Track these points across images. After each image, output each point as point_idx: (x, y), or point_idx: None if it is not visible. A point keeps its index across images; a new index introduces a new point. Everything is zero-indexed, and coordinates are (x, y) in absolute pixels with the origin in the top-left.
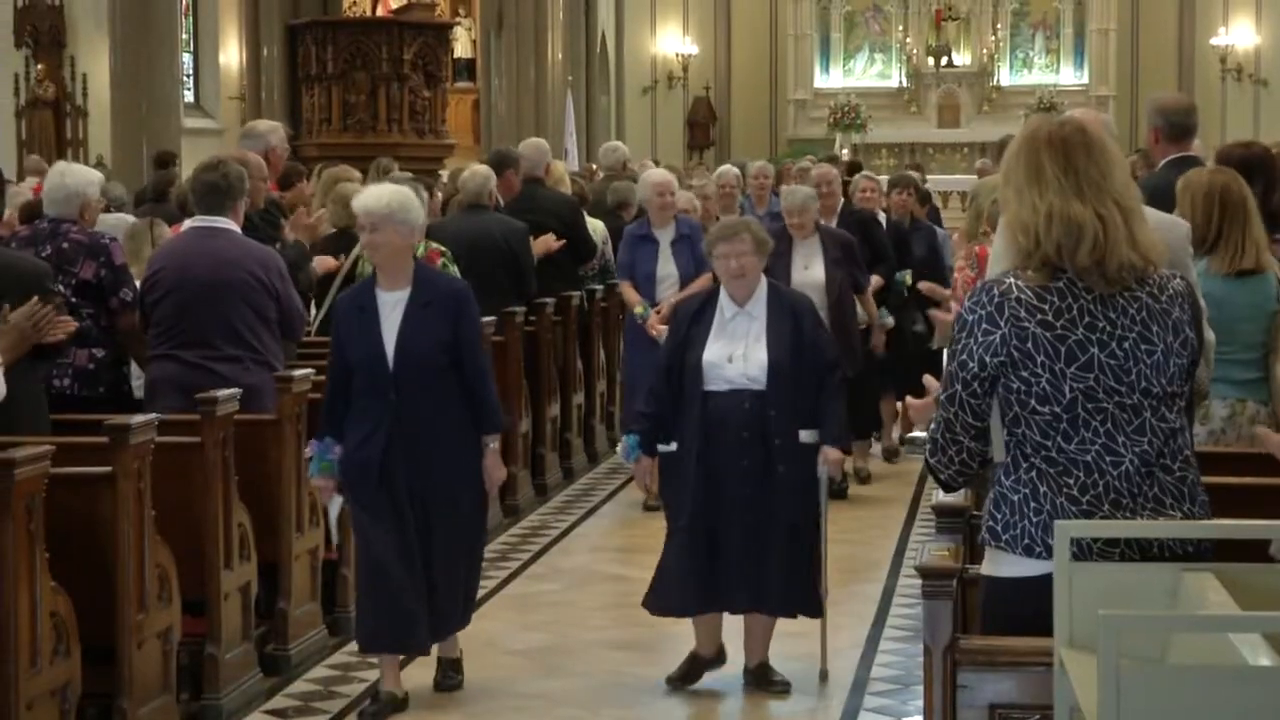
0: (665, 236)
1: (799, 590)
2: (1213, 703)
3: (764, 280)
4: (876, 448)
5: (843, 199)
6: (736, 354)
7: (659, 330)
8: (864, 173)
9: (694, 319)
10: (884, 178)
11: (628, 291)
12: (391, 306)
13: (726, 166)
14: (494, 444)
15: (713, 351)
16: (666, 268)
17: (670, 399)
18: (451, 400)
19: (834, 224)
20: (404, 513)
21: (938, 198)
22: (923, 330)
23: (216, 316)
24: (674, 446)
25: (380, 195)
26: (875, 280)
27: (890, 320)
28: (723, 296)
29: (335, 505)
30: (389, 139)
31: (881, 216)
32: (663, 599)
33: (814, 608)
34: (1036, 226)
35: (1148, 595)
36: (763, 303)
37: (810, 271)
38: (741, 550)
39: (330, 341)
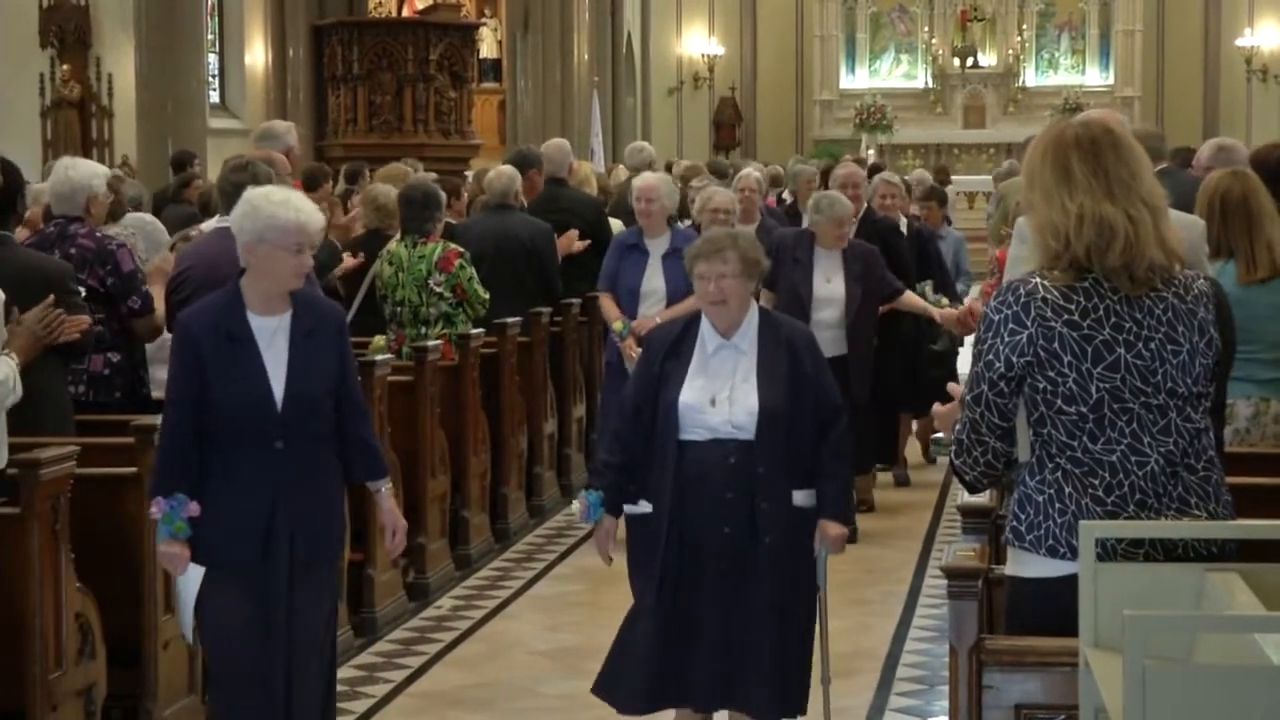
0: (657, 248)
1: (789, 688)
2: (1238, 703)
3: (755, 307)
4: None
5: (865, 204)
6: (720, 396)
7: (636, 353)
8: (884, 175)
9: (670, 350)
10: (895, 178)
11: (607, 305)
12: (270, 335)
13: (748, 170)
14: (387, 488)
15: (691, 392)
16: (653, 282)
17: (641, 447)
18: (333, 451)
19: (853, 231)
20: (280, 592)
21: (963, 198)
22: (943, 348)
23: None
24: (642, 507)
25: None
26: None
27: (944, 299)
28: (705, 325)
29: (194, 581)
30: (414, 139)
31: (903, 223)
32: (615, 687)
33: (804, 707)
34: (1067, 228)
35: (1173, 596)
36: (753, 334)
37: (832, 286)
38: (719, 637)
39: (172, 372)
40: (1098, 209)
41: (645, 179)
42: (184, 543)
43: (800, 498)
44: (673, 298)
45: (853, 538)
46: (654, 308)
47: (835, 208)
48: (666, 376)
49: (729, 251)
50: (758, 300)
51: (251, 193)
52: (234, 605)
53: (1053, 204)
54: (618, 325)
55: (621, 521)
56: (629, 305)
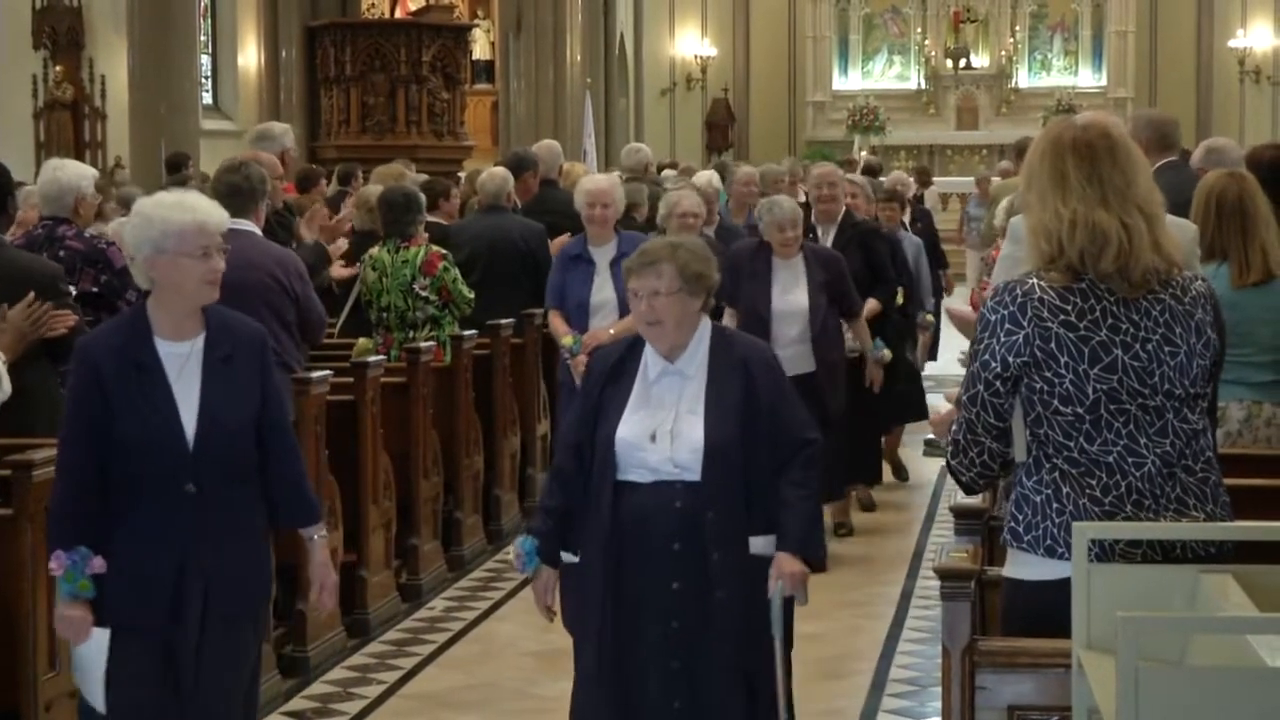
0: (604, 256)
1: None
2: (1231, 704)
3: (706, 326)
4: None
5: (844, 207)
6: (662, 430)
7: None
8: (849, 176)
9: (610, 376)
10: (859, 178)
11: (555, 322)
12: (181, 363)
13: (748, 168)
14: (321, 535)
15: (630, 426)
16: (603, 293)
17: (582, 488)
18: (255, 492)
19: (832, 234)
20: (186, 660)
21: (955, 199)
22: (912, 358)
23: None
24: (577, 557)
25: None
26: (871, 305)
27: (886, 353)
28: (649, 348)
29: (101, 646)
30: (407, 140)
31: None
32: None
33: None
34: (1060, 233)
35: (1166, 597)
36: (702, 357)
37: (791, 296)
38: (681, 710)
39: (69, 406)
40: (1091, 215)
41: (596, 181)
42: (86, 604)
43: (760, 545)
44: (625, 307)
45: (821, 566)
46: (606, 320)
47: (774, 211)
48: (605, 407)
49: (664, 265)
50: (718, 317)
51: (140, 202)
52: (140, 675)
53: (1047, 207)
54: (567, 341)
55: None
56: (579, 320)
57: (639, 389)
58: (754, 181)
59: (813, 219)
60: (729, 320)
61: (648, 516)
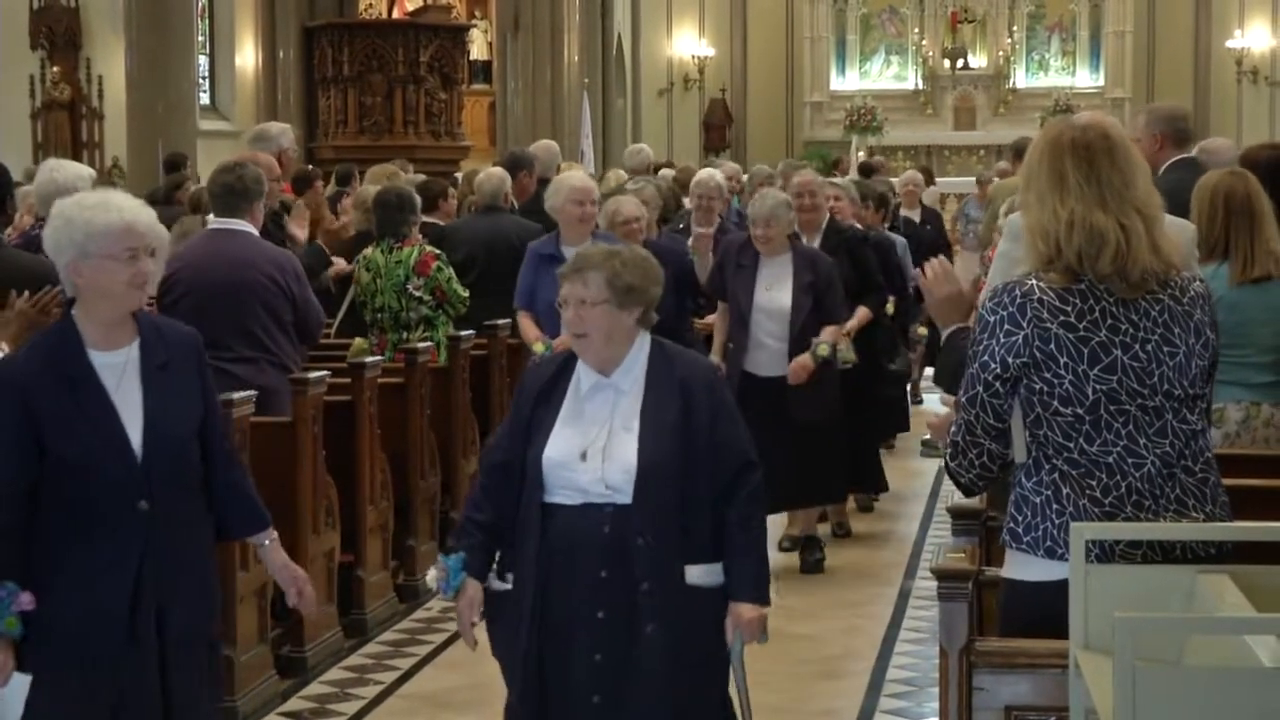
0: None
1: None
2: (1229, 705)
3: (645, 339)
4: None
5: (829, 214)
6: (593, 448)
7: None
8: (831, 179)
9: (544, 391)
10: (843, 181)
11: (526, 325)
12: (117, 373)
13: (708, 171)
14: (273, 539)
15: (559, 444)
16: None
17: (512, 506)
18: (204, 504)
19: (817, 242)
20: (150, 684)
21: (952, 200)
22: (900, 368)
23: (233, 318)
24: (504, 584)
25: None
26: (862, 313)
27: (825, 349)
28: (582, 362)
29: (19, 694)
30: (405, 141)
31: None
32: None
33: None
34: (1057, 233)
35: (1164, 597)
36: (639, 371)
37: (773, 294)
38: None
39: None
40: (1089, 216)
41: (582, 179)
42: (9, 645)
43: (696, 575)
44: None
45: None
46: None
47: (753, 206)
48: (536, 424)
49: (591, 273)
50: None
51: (61, 204)
52: (84, 715)
53: (1045, 207)
54: (539, 347)
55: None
56: (551, 323)
57: (570, 404)
58: (710, 191)
59: (796, 228)
60: (720, 315)
61: (575, 541)
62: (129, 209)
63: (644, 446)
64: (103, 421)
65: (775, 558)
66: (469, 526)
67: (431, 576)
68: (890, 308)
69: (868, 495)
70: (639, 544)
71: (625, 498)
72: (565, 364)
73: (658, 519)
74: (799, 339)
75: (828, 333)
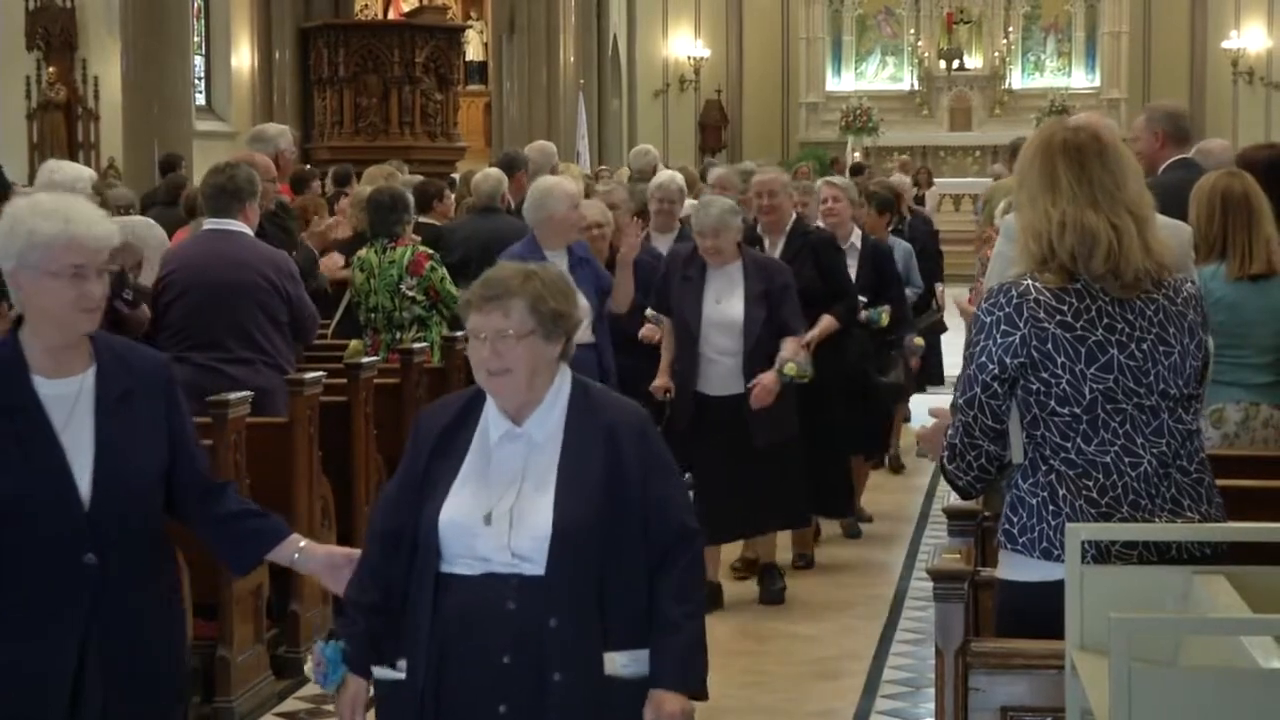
0: (562, 261)
1: None
2: (1224, 705)
3: (566, 377)
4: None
5: (795, 215)
6: (499, 510)
7: None
8: (828, 178)
9: (441, 441)
10: (842, 180)
11: None
12: (68, 405)
13: (668, 174)
14: (305, 543)
15: (459, 504)
16: None
17: (401, 580)
18: (169, 556)
19: (781, 245)
20: None
21: (948, 200)
22: (897, 381)
23: (228, 319)
24: (394, 673)
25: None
26: (826, 322)
27: (792, 367)
28: (489, 406)
29: None
30: (401, 142)
31: (856, 235)
32: None
33: None
34: (1050, 234)
35: (1159, 598)
36: (557, 418)
37: (724, 307)
38: None
39: None
40: (1080, 217)
41: (575, 186)
42: None
43: (618, 664)
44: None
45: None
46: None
47: (696, 215)
48: (433, 480)
49: (513, 300)
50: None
51: (14, 204)
52: None
53: (1037, 208)
54: None
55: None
56: None
57: (474, 458)
58: (671, 194)
59: (759, 230)
60: (666, 333)
61: (474, 620)
62: (82, 220)
63: (560, 508)
64: (43, 459)
65: (729, 589)
66: (351, 610)
67: (308, 668)
68: (885, 318)
69: (853, 521)
70: (550, 625)
71: (536, 568)
72: (468, 408)
73: (574, 595)
74: (754, 353)
75: (789, 347)
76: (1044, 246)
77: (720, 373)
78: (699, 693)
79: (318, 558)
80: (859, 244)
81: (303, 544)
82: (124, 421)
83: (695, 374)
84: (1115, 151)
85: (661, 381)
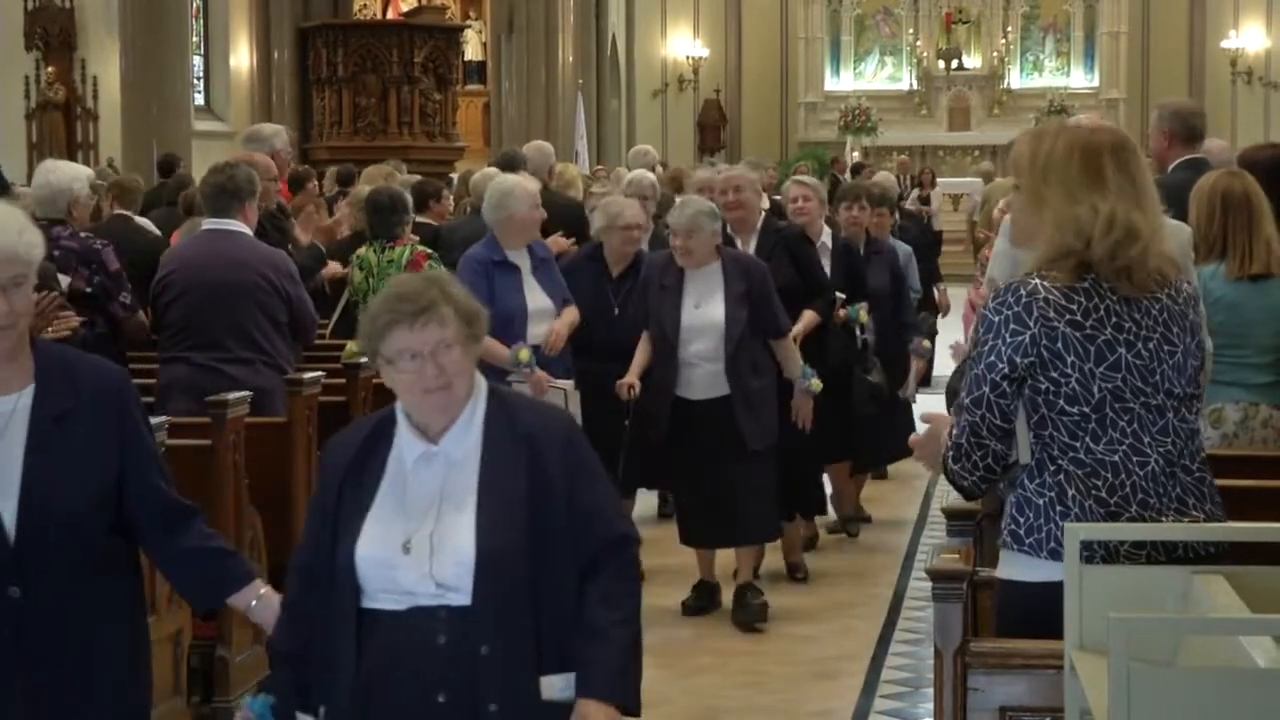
0: (524, 260)
1: None
2: (1223, 705)
3: (483, 386)
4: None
5: (764, 212)
6: (419, 537)
7: (554, 386)
8: (797, 178)
9: (353, 469)
10: (810, 179)
11: (489, 343)
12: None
13: (639, 172)
14: (265, 591)
15: (375, 534)
16: (538, 300)
17: (323, 623)
18: (118, 592)
19: (753, 243)
20: None
21: (946, 200)
22: (880, 381)
23: (227, 319)
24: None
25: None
26: (808, 318)
27: (817, 383)
28: (402, 427)
29: None
30: (399, 142)
31: (826, 234)
32: None
33: None
34: (1093, 228)
35: (1158, 598)
36: (475, 433)
37: (704, 310)
38: None
39: None
40: (1129, 215)
41: (536, 186)
42: None
43: (556, 687)
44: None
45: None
46: (543, 327)
47: (674, 215)
48: (347, 511)
49: (443, 309)
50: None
51: None
52: None
53: (1080, 204)
54: (524, 355)
55: None
56: (515, 333)
57: (389, 484)
58: (644, 191)
59: (728, 230)
60: (642, 343)
61: (401, 657)
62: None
63: (483, 529)
64: None
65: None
66: (275, 661)
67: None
68: (863, 315)
69: (853, 521)
70: (482, 653)
71: (463, 597)
72: (377, 432)
73: (505, 621)
74: (737, 357)
75: (789, 354)
76: (1083, 241)
77: (702, 377)
78: (630, 706)
79: (273, 607)
80: (829, 243)
81: (262, 591)
82: (59, 444)
83: (675, 380)
84: (1140, 154)
85: (628, 379)
